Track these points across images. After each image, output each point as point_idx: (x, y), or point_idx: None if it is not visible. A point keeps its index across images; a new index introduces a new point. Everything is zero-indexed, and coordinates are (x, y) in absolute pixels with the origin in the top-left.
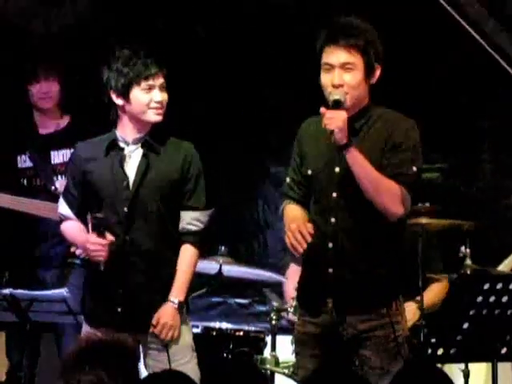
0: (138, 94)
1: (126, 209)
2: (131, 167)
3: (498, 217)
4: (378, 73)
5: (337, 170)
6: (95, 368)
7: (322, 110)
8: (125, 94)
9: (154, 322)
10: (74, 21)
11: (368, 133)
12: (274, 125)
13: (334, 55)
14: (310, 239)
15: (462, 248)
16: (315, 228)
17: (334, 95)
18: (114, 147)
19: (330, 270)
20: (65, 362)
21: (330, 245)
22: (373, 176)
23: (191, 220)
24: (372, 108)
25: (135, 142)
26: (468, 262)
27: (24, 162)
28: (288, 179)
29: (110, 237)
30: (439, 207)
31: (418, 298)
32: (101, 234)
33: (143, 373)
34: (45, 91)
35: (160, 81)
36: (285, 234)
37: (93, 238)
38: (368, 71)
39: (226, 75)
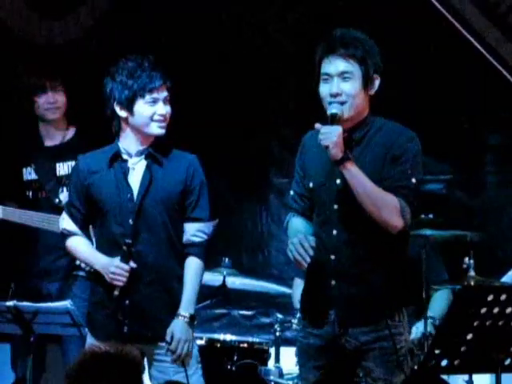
0: (142, 107)
1: (131, 221)
2: (135, 179)
3: (501, 228)
4: (376, 84)
5: (338, 182)
6: (98, 381)
7: (317, 125)
8: (128, 106)
9: (167, 338)
10: (78, 33)
11: (368, 145)
12: (277, 136)
13: (332, 65)
14: (312, 253)
15: (466, 259)
16: (318, 240)
17: (331, 109)
18: (117, 159)
19: (333, 282)
20: (67, 374)
21: (333, 257)
22: (370, 190)
23: (195, 232)
24: (372, 119)
25: (138, 154)
26: (472, 273)
27: (29, 174)
28: (292, 192)
29: (132, 264)
30: (443, 219)
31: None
32: (125, 260)
33: None
34: (51, 102)
35: (164, 94)
36: (287, 247)
37: (117, 262)
38: (366, 81)
39: (229, 86)
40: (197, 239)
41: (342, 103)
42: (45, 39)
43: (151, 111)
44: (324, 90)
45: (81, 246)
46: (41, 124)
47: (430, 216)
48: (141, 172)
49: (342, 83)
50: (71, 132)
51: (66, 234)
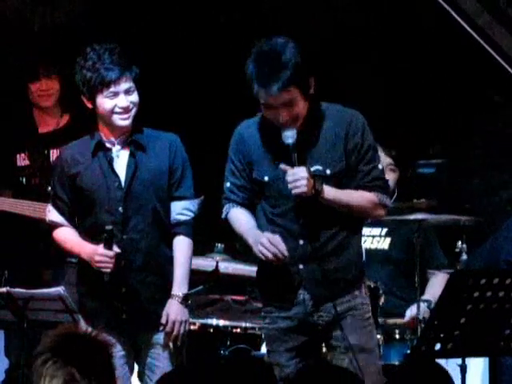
0: (102, 101)
1: (120, 209)
2: (120, 167)
3: (493, 212)
4: (312, 83)
5: None
6: (67, 364)
7: (283, 167)
8: (91, 98)
9: (163, 320)
10: (70, 19)
11: (321, 136)
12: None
13: (272, 98)
14: (285, 250)
15: (459, 243)
16: (280, 229)
17: (287, 139)
18: (100, 148)
19: (301, 266)
20: (37, 354)
21: (301, 242)
22: (350, 202)
23: (181, 210)
24: (311, 110)
25: (121, 142)
26: (465, 257)
27: (23, 160)
28: (228, 184)
29: (116, 249)
30: (435, 203)
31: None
32: (108, 246)
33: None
34: (45, 89)
35: (124, 86)
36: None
37: (101, 249)
38: (306, 93)
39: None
40: (183, 217)
41: (294, 123)
42: (38, 24)
43: (111, 104)
44: (271, 116)
45: (68, 236)
46: (35, 110)
47: (423, 200)
48: (125, 159)
49: (287, 110)
50: (65, 119)
51: (52, 226)
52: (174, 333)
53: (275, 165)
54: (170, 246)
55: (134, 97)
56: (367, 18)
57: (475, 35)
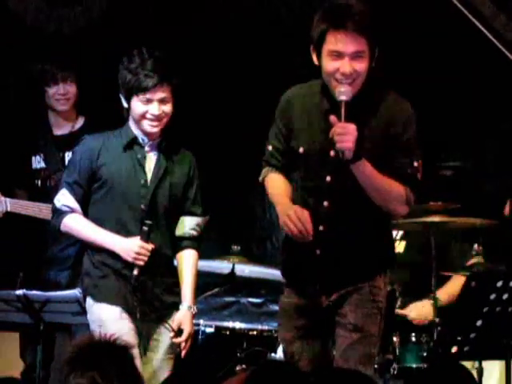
0: (136, 104)
1: (143, 206)
2: (148, 166)
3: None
4: (376, 54)
5: (332, 154)
6: (88, 370)
7: (333, 119)
8: (127, 99)
9: (175, 327)
10: (87, 22)
11: (366, 118)
12: None
13: (343, 43)
14: (310, 228)
15: (475, 246)
16: (306, 208)
17: (341, 95)
18: (133, 144)
19: (318, 252)
20: (66, 362)
21: (321, 228)
22: (380, 186)
23: (194, 225)
24: (372, 90)
25: (151, 144)
26: (481, 259)
27: (38, 162)
28: (270, 147)
29: (151, 245)
30: (452, 205)
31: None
32: (145, 240)
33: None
34: (62, 93)
35: (160, 95)
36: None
37: (141, 242)
38: (373, 56)
39: (244, 76)
40: (195, 233)
41: (351, 82)
42: (54, 28)
43: (143, 109)
44: (332, 67)
45: (89, 225)
46: (50, 113)
47: (439, 203)
48: (153, 160)
49: (353, 62)
50: (80, 121)
51: (64, 211)
52: (187, 344)
53: (314, 139)
54: (173, 254)
55: (168, 107)
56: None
57: (492, 38)
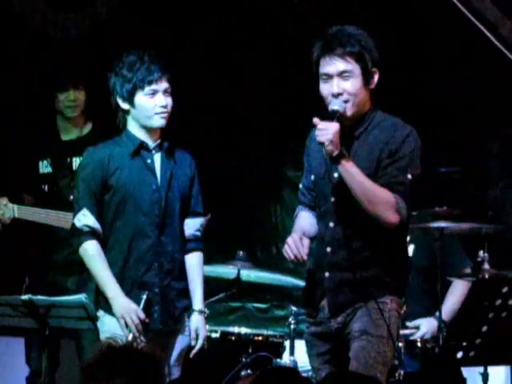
0: (142, 99)
1: (157, 211)
2: (156, 170)
3: None
4: (376, 77)
5: (335, 175)
6: (114, 377)
7: (315, 120)
8: (129, 99)
9: (193, 334)
10: (93, 27)
11: (365, 140)
12: (292, 130)
13: (331, 65)
14: (305, 252)
15: (481, 252)
16: (318, 233)
17: (333, 105)
18: (140, 150)
19: (326, 274)
20: (83, 369)
21: (328, 249)
22: (366, 186)
23: (199, 226)
24: (372, 114)
25: (156, 147)
26: (486, 266)
27: (45, 167)
28: (301, 185)
29: (146, 319)
30: (457, 211)
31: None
32: (145, 309)
33: None
34: (72, 99)
35: (164, 85)
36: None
37: (139, 311)
38: (366, 77)
39: (246, 79)
40: (199, 233)
41: (345, 101)
42: (60, 34)
43: (152, 103)
44: (325, 89)
45: (103, 264)
46: (58, 118)
47: (445, 208)
48: (159, 164)
49: (342, 82)
50: (88, 127)
51: (85, 232)
52: (202, 348)
53: (321, 165)
54: (183, 256)
55: (170, 99)
56: (383, 31)
57: (497, 43)
